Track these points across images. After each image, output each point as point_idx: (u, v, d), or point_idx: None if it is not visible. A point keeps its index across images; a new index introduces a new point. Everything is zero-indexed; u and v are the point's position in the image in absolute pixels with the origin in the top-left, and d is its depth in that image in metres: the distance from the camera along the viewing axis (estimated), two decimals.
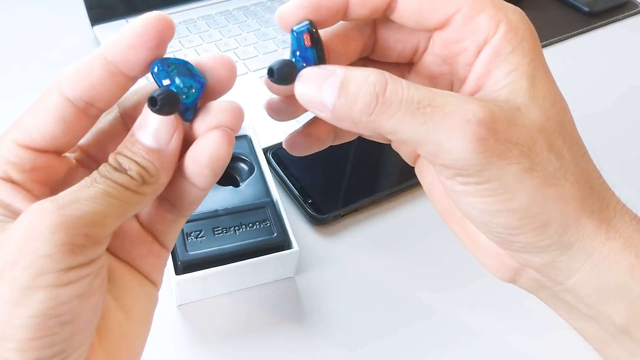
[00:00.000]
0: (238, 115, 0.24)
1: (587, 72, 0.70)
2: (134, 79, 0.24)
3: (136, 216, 0.26)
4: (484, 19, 0.24)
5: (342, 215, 0.51)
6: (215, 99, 0.25)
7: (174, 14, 0.70)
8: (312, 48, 0.24)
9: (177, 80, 0.23)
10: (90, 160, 0.27)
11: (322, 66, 0.24)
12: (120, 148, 0.23)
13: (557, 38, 0.74)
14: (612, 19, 0.79)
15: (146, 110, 0.24)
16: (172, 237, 0.27)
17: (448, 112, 0.22)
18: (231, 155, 0.24)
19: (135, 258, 0.26)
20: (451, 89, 0.28)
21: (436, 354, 0.43)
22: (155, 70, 0.23)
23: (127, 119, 0.27)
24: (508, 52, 0.24)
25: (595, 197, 0.24)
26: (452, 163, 0.22)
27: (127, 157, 0.23)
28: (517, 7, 0.25)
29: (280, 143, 0.54)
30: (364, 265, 0.48)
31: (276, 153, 0.54)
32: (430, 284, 0.47)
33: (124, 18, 0.68)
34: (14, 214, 0.23)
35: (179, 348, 0.42)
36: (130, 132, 0.24)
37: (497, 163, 0.22)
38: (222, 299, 0.45)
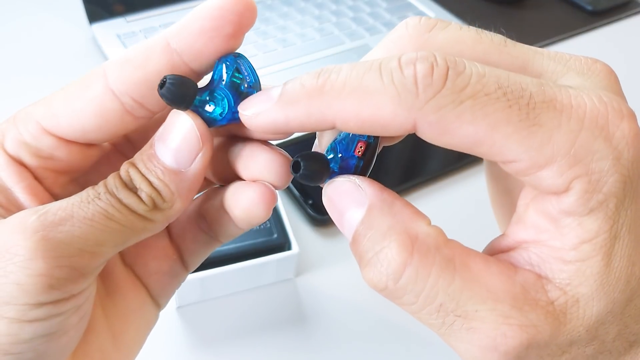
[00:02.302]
0: (286, 172, 0.21)
1: None
2: (199, 75, 0.20)
3: (167, 227, 0.23)
4: (549, 176, 0.17)
5: None
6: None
7: (173, 13, 0.70)
8: (360, 159, 0.20)
9: (223, 94, 0.20)
10: (128, 145, 0.23)
11: (355, 181, 0.19)
12: (136, 157, 0.20)
13: (559, 37, 0.73)
14: (615, 18, 0.78)
15: (169, 117, 0.20)
16: (198, 260, 0.24)
17: (474, 327, 0.18)
18: (270, 214, 0.22)
19: (151, 274, 0.23)
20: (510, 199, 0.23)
21: (438, 355, 0.42)
22: (223, 66, 0.20)
23: None
24: (583, 215, 0.17)
25: (630, 353, 0.20)
26: (462, 358, 0.19)
27: (140, 172, 0.19)
28: (625, 129, 0.17)
29: (280, 143, 0.54)
30: None
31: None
32: None
33: (123, 16, 0.68)
34: (10, 203, 0.20)
35: (178, 350, 0.42)
36: (150, 140, 0.20)
37: None
38: (221, 300, 0.44)
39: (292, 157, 0.20)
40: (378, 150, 0.22)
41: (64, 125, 0.20)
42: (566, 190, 0.17)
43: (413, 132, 0.18)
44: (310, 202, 0.50)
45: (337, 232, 0.49)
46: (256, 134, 0.21)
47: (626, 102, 0.19)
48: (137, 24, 0.67)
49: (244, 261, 0.42)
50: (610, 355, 0.19)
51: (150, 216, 0.19)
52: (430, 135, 0.17)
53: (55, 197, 0.21)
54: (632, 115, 0.18)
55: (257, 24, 0.70)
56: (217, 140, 0.23)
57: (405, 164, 0.56)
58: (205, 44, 0.19)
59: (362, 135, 0.20)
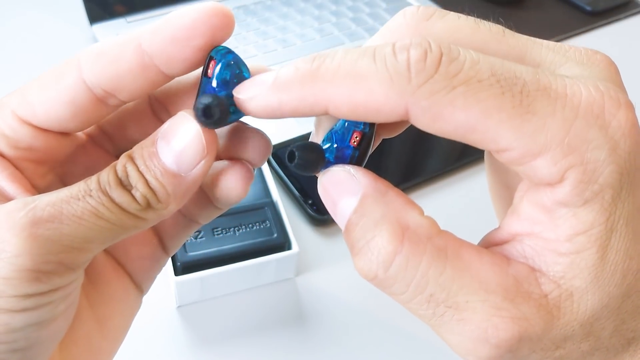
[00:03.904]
0: (265, 150, 0.22)
1: None
2: (169, 78, 0.20)
3: None
4: (543, 165, 0.17)
5: None
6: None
7: None
8: (355, 149, 0.20)
9: (227, 90, 0.19)
10: (105, 138, 0.23)
11: (350, 171, 0.19)
12: (135, 152, 0.20)
13: (558, 37, 0.74)
14: (614, 18, 0.78)
15: (177, 119, 0.20)
16: (178, 243, 0.25)
17: (465, 318, 0.17)
18: (247, 192, 0.22)
19: (133, 259, 0.24)
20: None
21: (438, 355, 0.42)
22: (225, 61, 0.19)
23: (154, 102, 0.23)
24: (578, 206, 0.17)
25: (629, 351, 0.20)
26: (453, 350, 0.19)
27: (138, 170, 0.19)
28: (622, 119, 0.17)
29: (280, 143, 0.54)
30: None
31: (276, 153, 0.54)
32: None
33: (123, 17, 0.68)
34: None
35: (179, 349, 0.42)
36: (152, 135, 0.20)
37: None
38: (221, 300, 0.44)
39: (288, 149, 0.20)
40: (378, 143, 0.21)
41: (40, 114, 0.20)
42: (560, 180, 0.17)
43: (406, 119, 0.17)
44: (310, 202, 0.50)
45: (337, 232, 0.50)
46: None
47: (625, 92, 0.18)
48: (138, 25, 0.67)
49: (244, 261, 0.42)
50: (608, 352, 0.19)
51: (142, 215, 0.19)
52: (423, 121, 0.17)
53: (36, 187, 0.21)
54: (630, 105, 0.17)
55: (257, 24, 0.70)
56: None
57: (405, 163, 0.56)
58: (176, 52, 0.19)
59: (358, 126, 0.20)
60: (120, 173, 0.19)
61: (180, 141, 0.19)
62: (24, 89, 0.21)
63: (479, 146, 0.17)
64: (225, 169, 0.22)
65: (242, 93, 0.19)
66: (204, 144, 0.19)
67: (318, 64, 0.18)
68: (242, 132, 0.22)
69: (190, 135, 0.19)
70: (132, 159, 0.19)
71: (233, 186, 0.22)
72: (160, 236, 0.24)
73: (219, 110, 0.19)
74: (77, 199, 0.18)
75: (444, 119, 0.17)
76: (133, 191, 0.19)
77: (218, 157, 0.22)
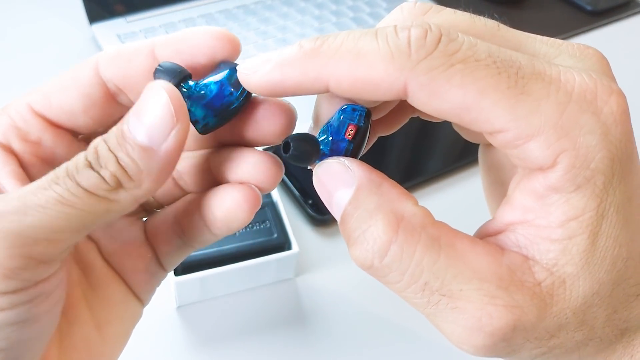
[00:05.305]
0: (275, 174, 0.22)
1: None
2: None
3: (145, 225, 0.24)
4: (536, 148, 0.17)
5: None
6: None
7: (174, 13, 0.70)
8: (350, 142, 0.20)
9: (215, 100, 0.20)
10: None
11: (344, 163, 0.20)
12: (108, 133, 0.19)
13: (558, 37, 0.73)
14: (615, 18, 0.78)
15: (146, 91, 0.19)
16: (174, 262, 0.24)
17: (459, 307, 0.18)
18: (251, 219, 0.21)
19: (127, 271, 0.24)
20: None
21: (438, 355, 0.42)
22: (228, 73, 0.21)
23: None
24: (570, 191, 0.17)
25: (622, 342, 0.20)
26: (448, 339, 0.19)
27: (109, 148, 0.18)
28: (613, 105, 0.17)
29: (280, 143, 0.54)
30: None
31: (276, 153, 0.54)
32: None
33: (123, 17, 0.68)
34: None
35: (178, 350, 0.42)
36: (125, 115, 0.19)
37: (502, 357, 0.19)
38: (221, 300, 0.44)
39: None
40: (373, 140, 0.22)
41: (54, 106, 0.21)
42: (553, 165, 0.17)
43: (404, 97, 0.18)
44: (310, 202, 0.50)
45: (337, 232, 0.50)
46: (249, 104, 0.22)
47: (616, 83, 0.19)
48: (137, 24, 0.67)
49: (244, 261, 0.42)
50: (601, 342, 0.19)
51: (112, 197, 0.18)
52: (421, 98, 0.18)
53: None
54: (621, 93, 0.18)
55: (257, 24, 0.70)
56: (198, 152, 0.23)
57: (405, 163, 0.56)
58: (181, 63, 0.21)
59: (353, 119, 0.20)
60: (90, 156, 0.18)
61: (149, 112, 0.19)
62: (43, 85, 0.22)
63: (474, 127, 0.18)
64: (231, 192, 0.21)
65: (246, 67, 0.20)
66: (172, 111, 0.18)
67: (321, 42, 0.18)
68: (254, 154, 0.22)
69: (159, 104, 0.18)
70: (104, 139, 0.19)
71: (238, 209, 0.21)
72: (155, 253, 0.24)
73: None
74: (43, 189, 0.18)
75: (440, 97, 0.17)
76: (102, 172, 0.18)
77: (225, 180, 0.22)
